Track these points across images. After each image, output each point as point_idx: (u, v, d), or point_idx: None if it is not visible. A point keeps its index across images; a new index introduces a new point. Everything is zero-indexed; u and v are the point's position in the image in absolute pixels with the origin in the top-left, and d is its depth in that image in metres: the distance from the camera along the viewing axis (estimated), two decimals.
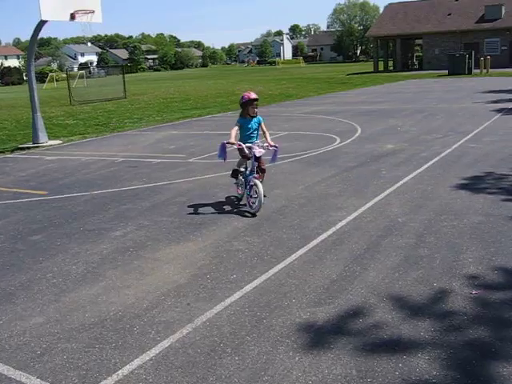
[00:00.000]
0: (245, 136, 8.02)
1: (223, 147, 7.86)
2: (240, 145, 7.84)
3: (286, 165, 11.12)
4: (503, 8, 53.26)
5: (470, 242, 6.19)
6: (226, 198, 8.89)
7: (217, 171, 10.97)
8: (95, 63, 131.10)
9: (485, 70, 43.79)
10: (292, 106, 24.86)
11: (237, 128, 7.99)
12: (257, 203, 7.68)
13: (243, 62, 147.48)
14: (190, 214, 8.10)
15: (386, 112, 19.90)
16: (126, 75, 42.07)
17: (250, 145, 7.81)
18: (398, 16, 60.18)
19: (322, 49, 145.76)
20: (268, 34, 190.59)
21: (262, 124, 8.12)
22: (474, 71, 43.85)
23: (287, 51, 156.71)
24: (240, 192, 8.53)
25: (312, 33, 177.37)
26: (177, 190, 9.64)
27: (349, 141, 13.75)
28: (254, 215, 7.73)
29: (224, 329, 4.58)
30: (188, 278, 5.69)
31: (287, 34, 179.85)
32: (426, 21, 57.63)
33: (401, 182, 9.07)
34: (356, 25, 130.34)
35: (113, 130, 19.85)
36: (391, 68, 61.40)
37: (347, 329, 4.45)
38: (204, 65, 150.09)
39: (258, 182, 7.64)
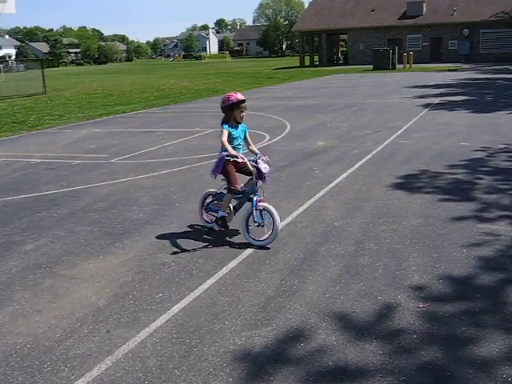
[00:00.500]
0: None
1: (222, 161, 6.37)
2: (243, 158, 6.24)
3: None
4: (424, 5, 54.62)
5: (412, 248, 5.86)
6: (155, 203, 8.25)
7: (141, 173, 10.29)
8: (13, 57, 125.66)
9: (408, 65, 44.72)
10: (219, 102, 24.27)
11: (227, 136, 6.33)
12: (273, 232, 6.11)
13: (169, 56, 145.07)
14: (111, 222, 7.42)
15: (314, 107, 19.69)
16: (46, 69, 40.30)
17: (253, 158, 6.33)
18: (323, 11, 60.61)
19: (247, 43, 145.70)
20: (194, 28, 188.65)
21: (247, 133, 6.63)
22: (398, 66, 44.71)
23: (213, 46, 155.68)
24: (207, 219, 6.92)
25: (238, 27, 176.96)
26: (97, 195, 8.90)
27: (278, 138, 13.36)
28: (265, 248, 6.14)
29: (149, 361, 4.00)
30: (108, 299, 5.06)
31: (213, 28, 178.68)
32: (351, 16, 58.33)
33: (335, 182, 8.72)
34: (282, 20, 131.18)
35: (31, 127, 18.65)
36: (317, 63, 61.84)
37: (288, 355, 3.98)
38: (129, 59, 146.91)
39: (269, 205, 6.24)
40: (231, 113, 6.38)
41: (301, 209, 7.41)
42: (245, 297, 4.95)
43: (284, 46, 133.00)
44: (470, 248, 5.79)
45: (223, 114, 6.47)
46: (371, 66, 45.55)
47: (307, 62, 61.17)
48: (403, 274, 5.25)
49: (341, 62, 62.53)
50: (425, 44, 54.32)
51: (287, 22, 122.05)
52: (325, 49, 59.92)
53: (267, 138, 13.41)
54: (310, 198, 7.87)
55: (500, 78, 30.38)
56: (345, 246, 6.00)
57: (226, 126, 6.36)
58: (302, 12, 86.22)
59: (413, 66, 45.19)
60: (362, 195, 7.92)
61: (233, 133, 6.39)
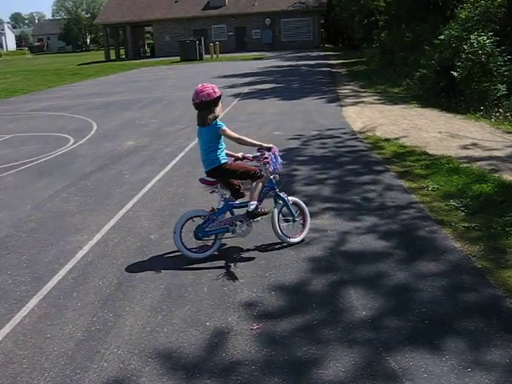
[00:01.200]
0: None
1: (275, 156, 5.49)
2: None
3: (9, 177, 9.21)
4: None
5: (237, 256, 5.32)
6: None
7: None
8: None
9: (215, 56, 45.02)
10: (18, 103, 22.08)
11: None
12: (307, 227, 5.62)
13: None
14: None
15: (122, 104, 18.61)
16: None
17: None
18: (125, 3, 58.80)
19: (48, 38, 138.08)
20: None
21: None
22: (205, 57, 44.81)
23: (10, 42, 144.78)
24: (199, 246, 5.47)
25: (36, 21, 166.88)
26: None
27: (84, 140, 12.19)
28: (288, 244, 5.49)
29: None
30: None
31: (8, 23, 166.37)
32: (155, 8, 57.29)
33: (148, 187, 7.94)
34: (83, 12, 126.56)
35: None
36: (123, 56, 60.00)
37: None
38: None
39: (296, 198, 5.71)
40: (215, 107, 5.35)
41: (112, 222, 6.54)
42: (49, 346, 4.02)
43: (88, 40, 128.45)
44: (298, 249, 5.41)
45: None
46: (179, 58, 45.11)
47: (113, 56, 59.08)
48: (231, 289, 4.68)
49: (148, 54, 61.26)
50: (230, 34, 55.15)
51: (89, 15, 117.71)
52: (130, 42, 58.24)
53: (71, 141, 12.17)
54: (121, 208, 7.02)
55: (303, 65, 31.59)
56: (163, 264, 5.28)
57: (223, 123, 5.40)
58: (104, 4, 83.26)
59: (220, 55, 45.60)
60: (177, 199, 7.25)
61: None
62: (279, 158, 5.53)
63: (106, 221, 6.58)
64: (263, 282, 4.75)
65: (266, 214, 5.46)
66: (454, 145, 9.79)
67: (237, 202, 5.54)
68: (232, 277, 4.90)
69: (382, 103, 15.32)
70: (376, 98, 16.43)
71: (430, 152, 9.21)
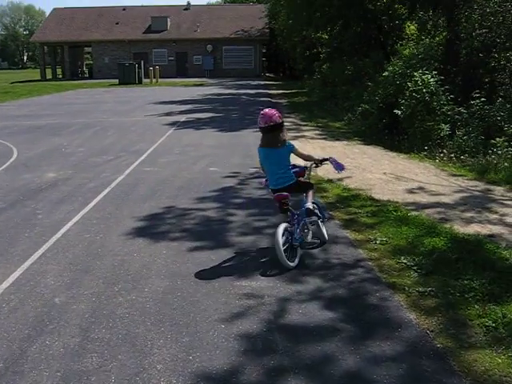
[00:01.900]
0: None
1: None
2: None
3: None
4: (168, 20, 54.72)
5: (157, 331, 4.42)
6: None
7: None
8: None
9: (154, 80, 44.08)
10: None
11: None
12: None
13: None
14: None
15: (51, 128, 17.39)
16: None
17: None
18: (64, 22, 57.18)
19: None
20: None
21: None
22: (144, 81, 43.78)
23: None
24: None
25: None
26: None
27: (0, 170, 11.03)
28: None
29: None
30: None
31: None
32: (95, 28, 55.96)
33: (62, 231, 6.93)
34: (21, 29, 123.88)
35: None
36: (60, 76, 58.17)
37: None
38: None
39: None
40: (283, 129, 5.95)
41: (12, 278, 5.51)
42: None
43: (25, 58, 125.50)
44: (230, 322, 4.56)
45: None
46: (117, 81, 43.89)
47: (50, 76, 57.19)
48: (146, 378, 3.78)
49: (86, 75, 59.62)
50: (170, 59, 54.39)
51: (27, 32, 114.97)
52: (68, 61, 56.55)
53: None
54: (26, 259, 5.99)
55: (244, 94, 31.11)
56: (66, 339, 4.33)
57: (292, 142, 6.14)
58: (43, 22, 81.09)
59: (159, 80, 44.70)
60: (94, 249, 6.28)
61: None
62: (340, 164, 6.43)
63: (5, 277, 5.53)
64: (185, 369, 3.88)
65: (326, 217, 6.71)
66: (399, 188, 9.24)
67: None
68: (148, 360, 4.00)
69: (324, 138, 14.79)
70: (317, 132, 15.92)
71: (376, 196, 8.61)
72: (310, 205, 5.97)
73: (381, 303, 4.91)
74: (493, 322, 4.51)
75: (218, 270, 5.63)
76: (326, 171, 10.43)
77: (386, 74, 15.48)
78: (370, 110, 16.53)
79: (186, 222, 7.17)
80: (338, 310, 4.75)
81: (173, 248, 6.25)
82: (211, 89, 35.36)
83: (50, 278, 5.50)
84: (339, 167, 6.39)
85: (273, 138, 5.84)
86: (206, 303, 4.87)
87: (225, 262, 5.85)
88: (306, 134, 15.54)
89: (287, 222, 5.92)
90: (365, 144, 14.00)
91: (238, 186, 9.15)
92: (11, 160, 11.97)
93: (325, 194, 8.80)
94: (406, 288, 5.18)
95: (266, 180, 6.23)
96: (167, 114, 20.35)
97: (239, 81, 45.11)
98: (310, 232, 6.25)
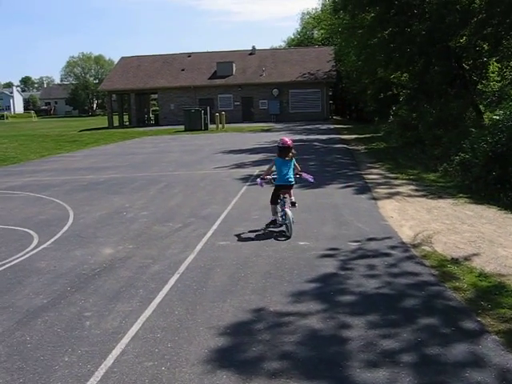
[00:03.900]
0: None
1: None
2: None
3: None
4: (234, 65, 54.07)
5: None
6: None
7: None
8: None
9: (221, 125, 42.96)
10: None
11: None
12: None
13: None
14: None
15: (112, 184, 15.88)
16: None
17: None
18: (131, 70, 57.53)
19: (56, 102, 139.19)
20: None
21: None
22: (210, 126, 42.71)
23: (18, 104, 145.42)
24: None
25: (45, 85, 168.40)
26: None
27: (51, 242, 9.35)
28: None
29: None
30: None
31: (18, 86, 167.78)
32: (161, 75, 55.95)
33: (114, 354, 5.01)
34: (91, 78, 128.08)
35: None
36: (127, 123, 58.27)
37: None
38: None
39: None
40: (291, 150, 9.38)
41: None
42: None
43: (95, 105, 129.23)
44: None
45: None
46: (183, 127, 43.03)
47: (116, 123, 57.36)
48: None
49: (152, 122, 59.43)
50: (236, 104, 53.47)
51: (97, 81, 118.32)
52: (134, 109, 56.60)
53: (34, 242, 9.37)
54: None
55: (315, 140, 29.25)
56: None
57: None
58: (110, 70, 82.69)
59: (226, 125, 43.57)
60: None
61: None
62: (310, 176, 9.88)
63: None
64: None
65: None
66: None
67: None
68: None
69: (423, 196, 12.58)
70: (412, 187, 13.70)
71: None
72: (293, 199, 9.38)
73: None
74: None
75: None
76: (445, 245, 8.30)
77: (496, 117, 13.20)
78: (472, 160, 14.25)
79: (284, 340, 5.12)
80: None
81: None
82: (279, 135, 33.57)
83: None
84: (310, 178, 9.87)
85: (285, 153, 9.31)
86: None
87: None
88: (399, 189, 13.37)
89: (275, 213, 9.47)
90: (475, 203, 11.71)
91: (342, 273, 7.05)
92: (65, 228, 10.32)
93: (457, 284, 6.61)
94: None
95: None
96: (238, 166, 18.60)
97: (307, 125, 43.38)
98: (290, 218, 8.93)
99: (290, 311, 5.79)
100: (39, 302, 6.48)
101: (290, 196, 9.29)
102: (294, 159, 9.35)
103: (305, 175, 9.65)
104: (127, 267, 7.67)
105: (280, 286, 6.59)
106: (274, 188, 9.48)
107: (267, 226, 9.48)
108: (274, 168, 9.48)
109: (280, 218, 9.29)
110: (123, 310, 6.04)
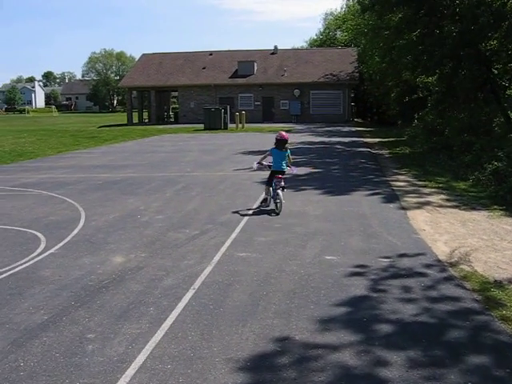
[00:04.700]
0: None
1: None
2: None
3: None
4: (255, 64, 53.44)
5: None
6: None
7: None
8: None
9: (240, 125, 42.35)
10: (13, 172, 18.96)
11: None
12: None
13: None
14: None
15: (128, 184, 15.31)
16: None
17: None
18: (152, 67, 57.18)
19: (77, 98, 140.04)
20: (19, 79, 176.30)
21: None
22: (230, 126, 42.10)
23: (39, 99, 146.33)
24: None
25: (67, 81, 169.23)
26: None
27: (58, 246, 8.76)
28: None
29: None
30: None
31: (40, 81, 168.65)
32: (181, 73, 55.53)
33: None
34: (112, 74, 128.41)
35: None
36: (146, 120, 57.92)
37: None
38: None
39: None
40: (286, 143, 11.31)
41: None
42: None
43: (115, 102, 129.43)
44: None
45: None
46: (202, 125, 42.49)
47: (136, 119, 57.05)
48: None
49: (171, 119, 59.01)
50: (257, 103, 52.85)
51: (118, 77, 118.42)
52: (154, 106, 56.22)
53: (41, 246, 8.78)
54: None
55: (337, 142, 28.51)
56: None
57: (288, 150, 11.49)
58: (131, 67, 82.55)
59: (245, 125, 42.95)
60: None
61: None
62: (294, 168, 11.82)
63: None
64: None
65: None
66: None
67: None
68: None
69: (455, 206, 11.81)
70: (443, 197, 12.92)
71: None
72: (283, 184, 11.04)
73: None
74: None
75: None
76: (486, 265, 7.57)
77: None
78: (507, 170, 13.44)
79: (313, 379, 4.44)
80: None
81: None
82: (300, 136, 32.94)
83: None
84: (295, 170, 12.14)
85: (282, 145, 11.20)
86: None
87: None
88: (429, 199, 12.61)
89: (268, 193, 11.32)
90: (511, 215, 10.94)
91: (374, 295, 6.34)
92: (75, 231, 9.73)
93: (504, 312, 5.88)
94: None
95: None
96: (258, 168, 17.91)
97: (328, 127, 42.64)
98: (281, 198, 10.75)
99: (318, 342, 5.10)
100: (39, 318, 5.86)
101: (282, 180, 10.96)
102: (288, 151, 11.29)
103: (290, 169, 11.48)
104: (138, 280, 7.03)
105: (306, 309, 5.90)
106: (269, 172, 11.29)
107: (261, 203, 11.56)
108: (270, 157, 11.33)
109: (272, 198, 11.05)
110: (130, 333, 5.39)
